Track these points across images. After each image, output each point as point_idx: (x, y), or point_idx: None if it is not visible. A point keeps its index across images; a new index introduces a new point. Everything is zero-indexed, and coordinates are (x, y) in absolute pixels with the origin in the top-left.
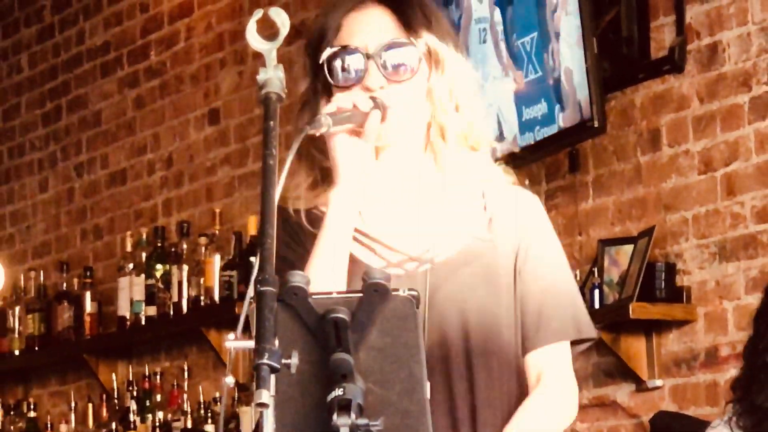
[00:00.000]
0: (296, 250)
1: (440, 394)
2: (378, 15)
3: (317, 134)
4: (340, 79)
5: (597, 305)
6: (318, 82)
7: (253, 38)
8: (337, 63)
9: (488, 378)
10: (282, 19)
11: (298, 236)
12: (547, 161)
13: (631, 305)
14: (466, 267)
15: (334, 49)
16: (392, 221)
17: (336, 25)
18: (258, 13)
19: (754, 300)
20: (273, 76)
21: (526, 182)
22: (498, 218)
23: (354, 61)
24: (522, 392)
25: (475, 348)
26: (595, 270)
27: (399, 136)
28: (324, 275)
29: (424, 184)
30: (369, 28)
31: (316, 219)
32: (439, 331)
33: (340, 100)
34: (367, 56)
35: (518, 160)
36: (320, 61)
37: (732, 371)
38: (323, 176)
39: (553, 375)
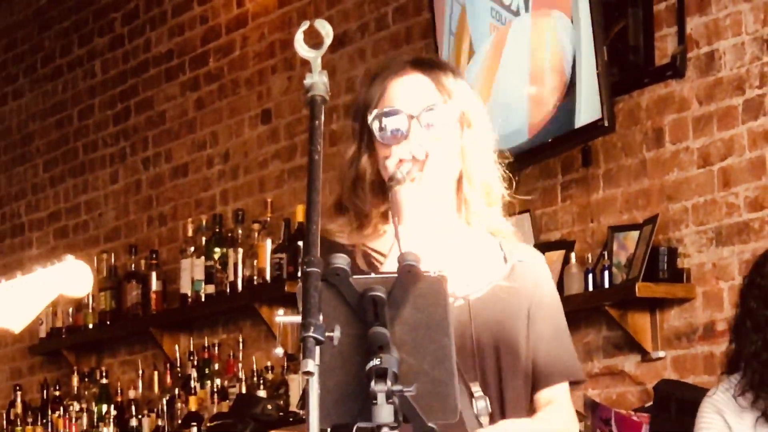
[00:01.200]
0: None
1: (496, 404)
2: (417, 80)
3: (402, 184)
4: (386, 137)
5: (607, 285)
6: (362, 142)
7: (301, 47)
8: (383, 123)
9: (516, 399)
10: (326, 30)
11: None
12: (562, 157)
13: (637, 285)
14: (495, 306)
15: (382, 110)
16: (433, 259)
17: (381, 91)
18: (305, 25)
19: None
20: (318, 81)
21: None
22: (517, 270)
23: (399, 121)
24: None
25: (505, 376)
26: (605, 253)
27: (437, 186)
28: None
29: (455, 232)
30: (410, 92)
31: (364, 253)
32: (490, 361)
33: (397, 153)
34: (410, 117)
35: (537, 156)
36: (368, 122)
37: (726, 344)
38: (358, 218)
39: (563, 405)
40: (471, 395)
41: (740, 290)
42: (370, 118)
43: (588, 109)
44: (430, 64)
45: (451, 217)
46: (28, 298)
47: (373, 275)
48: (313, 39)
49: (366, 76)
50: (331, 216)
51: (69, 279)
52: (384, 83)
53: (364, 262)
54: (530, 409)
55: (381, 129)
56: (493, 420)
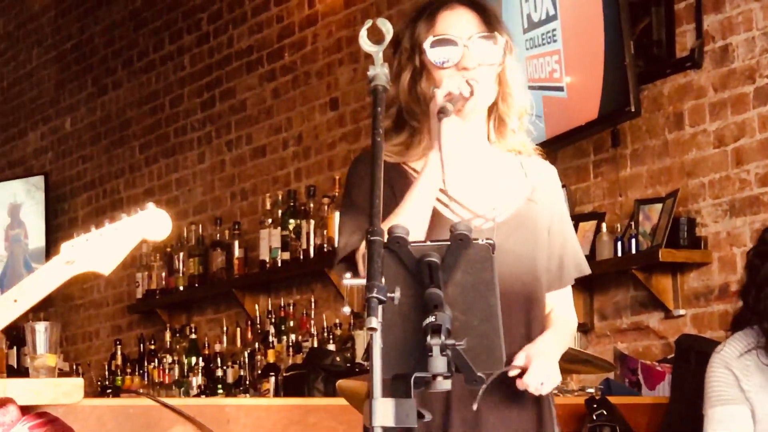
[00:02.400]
0: (385, 192)
1: (520, 326)
2: (465, 13)
3: (448, 116)
4: (440, 62)
5: (634, 251)
6: (415, 70)
7: (365, 42)
8: (438, 49)
9: (539, 320)
10: (387, 28)
11: (387, 182)
12: (593, 138)
13: (660, 251)
14: (520, 227)
15: (437, 37)
16: (465, 184)
17: (432, 22)
18: (368, 23)
19: None
20: (380, 72)
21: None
22: (538, 187)
23: (452, 49)
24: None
25: (530, 295)
26: (632, 224)
27: (480, 111)
28: (413, 215)
29: (484, 154)
30: (460, 24)
31: (403, 172)
32: (500, 278)
33: (448, 86)
34: (463, 44)
35: (572, 138)
36: (424, 49)
37: (740, 303)
38: (411, 138)
39: (563, 309)
40: None
41: (747, 255)
42: (425, 45)
43: (617, 97)
44: (472, 1)
45: (481, 138)
46: (115, 244)
47: (428, 242)
48: (375, 35)
49: (405, 15)
50: (389, 135)
51: (150, 225)
52: (434, 15)
53: (405, 179)
54: (543, 307)
55: (435, 55)
56: (508, 332)
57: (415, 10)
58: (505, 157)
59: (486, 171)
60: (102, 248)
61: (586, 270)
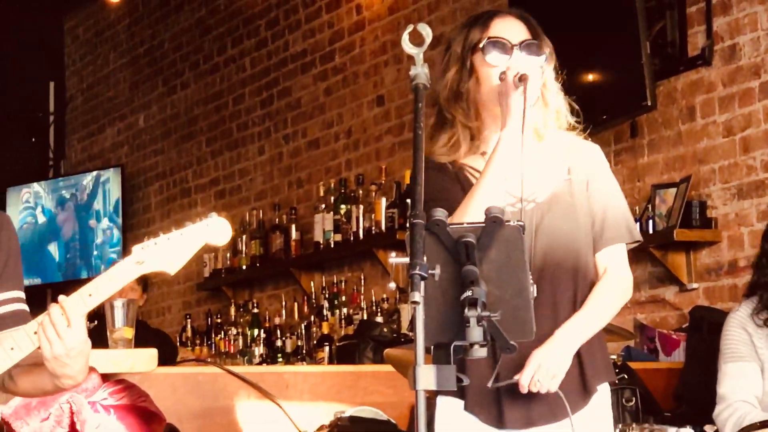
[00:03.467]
0: (454, 186)
1: (547, 298)
2: (516, 22)
3: (534, 103)
4: (492, 60)
5: (650, 231)
6: (465, 69)
7: (407, 45)
8: (492, 50)
9: (583, 286)
10: (426, 32)
11: (451, 178)
12: (614, 129)
13: (675, 231)
14: (559, 204)
15: (492, 39)
16: (511, 170)
17: (486, 27)
18: (410, 28)
19: (762, 226)
20: (421, 72)
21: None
22: (575, 164)
23: (504, 47)
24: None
25: (575, 263)
26: (650, 206)
27: (532, 101)
28: (492, 188)
29: (529, 145)
30: (512, 30)
31: (459, 168)
32: (543, 253)
33: (515, 67)
34: (512, 47)
35: (594, 129)
36: (480, 48)
37: (747, 277)
38: (452, 137)
39: (615, 267)
40: None
41: (763, 234)
42: (481, 44)
43: (635, 92)
44: (520, 13)
45: (528, 133)
46: (181, 248)
47: (465, 224)
48: (416, 39)
49: (457, 26)
50: (432, 136)
51: (213, 231)
52: (488, 22)
53: (461, 176)
54: (589, 273)
55: (489, 54)
56: (538, 301)
57: (468, 18)
58: (545, 145)
59: (528, 158)
60: (169, 251)
61: (635, 230)
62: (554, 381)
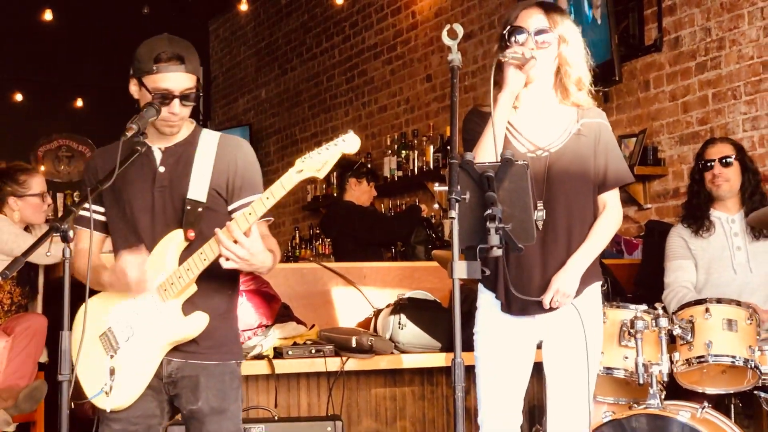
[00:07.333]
0: (480, 125)
1: (562, 220)
2: (536, 12)
3: (503, 60)
4: (512, 41)
5: None
6: (501, 42)
7: (445, 38)
8: (512, 34)
9: (591, 211)
10: (459, 30)
11: (483, 120)
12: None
13: (635, 167)
14: (569, 153)
15: (512, 26)
16: (531, 124)
17: (514, 18)
18: (447, 27)
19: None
20: (455, 58)
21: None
22: (585, 124)
23: (520, 34)
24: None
25: (584, 197)
26: None
27: (536, 77)
28: (491, 133)
29: (550, 107)
30: (531, 19)
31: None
32: (561, 187)
33: (515, 49)
34: (528, 33)
35: None
36: (504, 32)
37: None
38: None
39: (612, 204)
40: (535, 207)
41: (690, 172)
42: (505, 31)
43: (607, 70)
44: (546, 5)
45: (548, 96)
46: (327, 158)
47: (486, 163)
48: (452, 35)
49: (503, 15)
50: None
51: (347, 144)
52: (516, 13)
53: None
54: (594, 204)
55: (509, 37)
56: (548, 227)
57: (508, 11)
58: (565, 108)
59: (548, 117)
60: (320, 160)
61: (628, 178)
62: (568, 299)
